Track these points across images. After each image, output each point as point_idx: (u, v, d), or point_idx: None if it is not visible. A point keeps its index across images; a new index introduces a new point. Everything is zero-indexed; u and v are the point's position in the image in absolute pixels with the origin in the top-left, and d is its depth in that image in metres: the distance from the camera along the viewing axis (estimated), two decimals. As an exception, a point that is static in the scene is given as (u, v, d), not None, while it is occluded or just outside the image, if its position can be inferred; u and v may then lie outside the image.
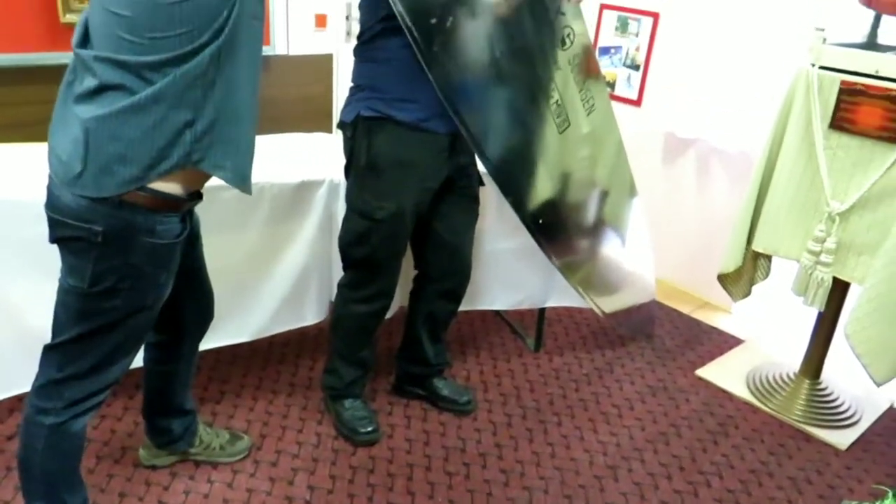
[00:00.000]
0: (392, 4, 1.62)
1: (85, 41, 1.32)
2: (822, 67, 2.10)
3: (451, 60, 1.74)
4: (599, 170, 2.32)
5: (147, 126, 1.26)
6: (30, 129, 2.55)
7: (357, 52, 1.86)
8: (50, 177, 1.35)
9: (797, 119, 2.16)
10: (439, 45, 1.70)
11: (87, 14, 1.32)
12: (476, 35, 1.80)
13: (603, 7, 3.38)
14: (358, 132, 1.83)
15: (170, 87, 1.25)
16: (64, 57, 2.56)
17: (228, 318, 2.05)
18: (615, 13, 3.34)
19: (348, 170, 1.91)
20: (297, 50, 3.40)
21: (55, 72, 2.55)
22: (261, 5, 1.34)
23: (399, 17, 1.63)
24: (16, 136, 2.42)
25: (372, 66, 1.81)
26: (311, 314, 2.24)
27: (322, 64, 3.52)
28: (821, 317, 2.44)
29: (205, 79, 1.26)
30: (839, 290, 2.33)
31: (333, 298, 2.12)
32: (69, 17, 2.59)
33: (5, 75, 2.56)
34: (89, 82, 1.27)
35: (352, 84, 1.88)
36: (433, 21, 1.68)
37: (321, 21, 3.48)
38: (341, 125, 1.91)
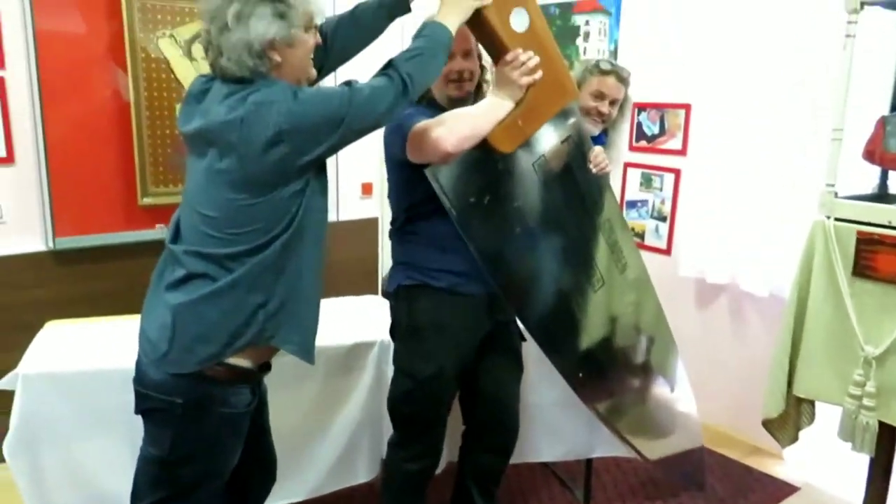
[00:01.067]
0: (434, 185, 1.83)
1: (176, 237, 1.53)
2: (837, 219, 2.18)
3: (489, 233, 1.89)
4: (644, 316, 2.39)
5: (225, 309, 1.44)
6: (110, 300, 2.79)
7: (392, 235, 2.04)
8: (139, 355, 1.52)
9: (820, 267, 2.19)
10: (478, 220, 1.87)
11: (178, 214, 1.56)
12: (512, 208, 1.95)
13: (627, 165, 3.64)
14: (399, 299, 1.99)
15: (246, 275, 1.44)
16: (141, 235, 2.88)
17: (285, 477, 2.05)
18: (638, 171, 3.58)
19: (393, 333, 2.05)
20: (345, 216, 3.66)
21: (133, 249, 2.86)
22: (324, 199, 1.56)
23: (440, 196, 1.83)
24: (98, 308, 2.64)
25: (407, 246, 1.98)
26: (364, 472, 2.28)
27: (368, 228, 3.75)
28: (873, 462, 2.36)
29: (276, 265, 1.46)
30: (888, 433, 2.25)
31: (384, 456, 2.17)
32: (146, 201, 2.90)
33: (89, 253, 2.82)
34: (178, 272, 1.47)
35: (392, 261, 2.05)
36: (472, 200, 1.87)
37: (367, 189, 3.79)
38: (385, 294, 2.06)
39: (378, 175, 3.72)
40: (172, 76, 2.97)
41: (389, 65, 1.56)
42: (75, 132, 2.76)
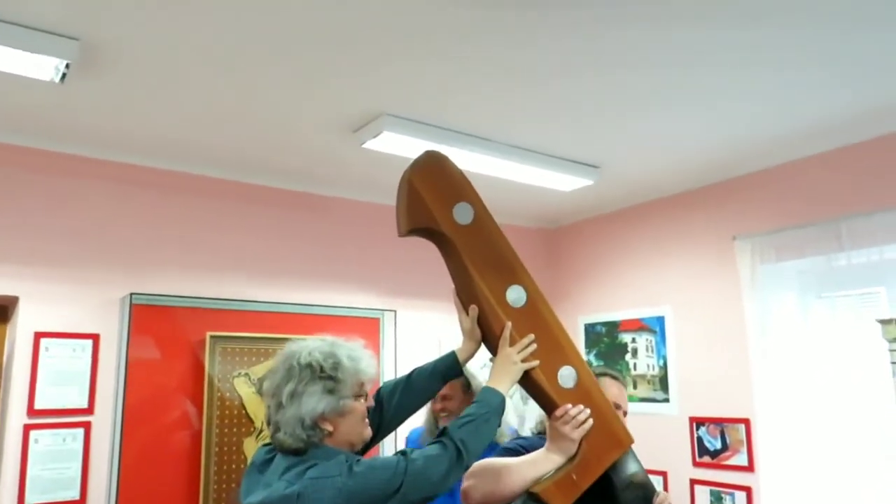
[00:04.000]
0: None
1: None
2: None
3: None
4: None
5: None
6: None
7: None
8: None
9: None
10: None
11: None
12: None
13: (693, 482, 3.51)
14: None
15: None
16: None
17: None
18: (706, 489, 3.44)
19: None
20: None
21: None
22: None
23: None
24: None
25: None
26: None
27: None
28: None
29: None
30: None
31: None
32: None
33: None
34: None
35: None
36: None
37: None
38: None
39: None
40: (244, 412, 3.14)
41: (444, 433, 1.60)
42: (148, 458, 2.93)
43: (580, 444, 1.81)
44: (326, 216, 3.71)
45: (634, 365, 3.92)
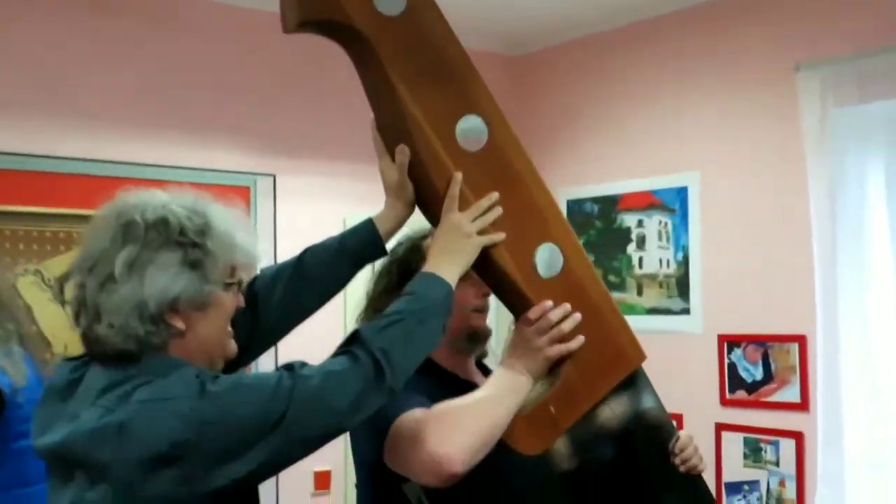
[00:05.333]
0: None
1: None
2: None
3: None
4: None
5: None
6: None
7: None
8: None
9: None
10: None
11: None
12: None
13: (720, 428, 3.62)
14: None
15: None
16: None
17: None
18: (738, 436, 3.56)
19: None
20: None
21: None
22: None
23: None
24: None
25: None
26: None
27: None
28: None
29: None
30: None
31: None
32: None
33: None
34: None
35: None
36: None
37: (322, 482, 3.74)
38: None
39: (342, 459, 3.69)
40: (36, 330, 3.05)
41: (355, 337, 1.59)
42: None
43: (561, 363, 1.82)
44: (165, 26, 3.57)
45: (640, 261, 3.95)
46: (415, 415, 1.73)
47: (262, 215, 3.68)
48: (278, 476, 3.56)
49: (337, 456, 3.64)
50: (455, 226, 1.73)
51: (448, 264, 1.70)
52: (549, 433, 1.82)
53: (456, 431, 1.70)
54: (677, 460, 2.08)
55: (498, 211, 1.77)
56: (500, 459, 1.83)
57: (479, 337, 2.03)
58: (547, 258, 1.81)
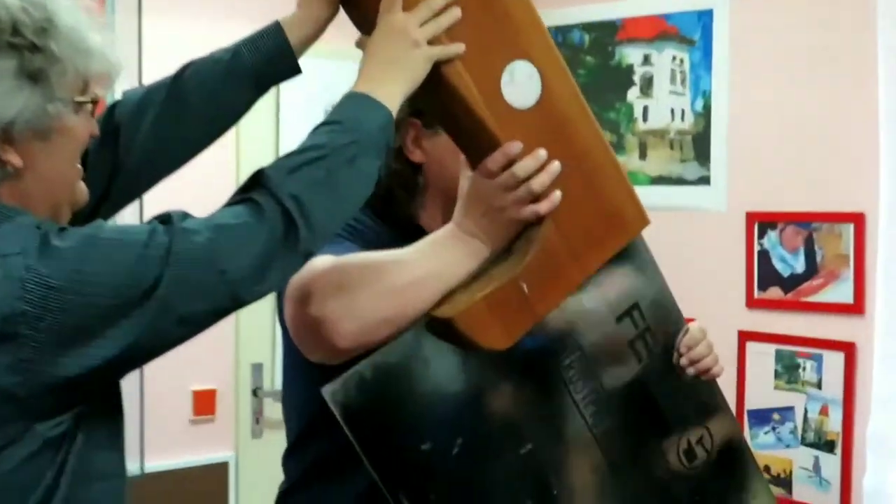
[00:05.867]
0: (336, 412, 1.81)
1: None
2: None
3: None
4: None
5: None
6: None
7: (287, 464, 2.15)
8: None
9: None
10: (437, 493, 1.90)
11: None
12: (516, 460, 1.99)
13: (744, 337, 3.64)
14: None
15: None
16: None
17: None
18: (769, 348, 3.58)
19: None
20: (158, 461, 3.75)
21: None
22: (114, 455, 1.66)
23: (358, 449, 1.83)
24: None
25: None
26: None
27: (210, 481, 3.81)
28: None
29: None
30: None
31: None
32: None
33: None
34: None
35: None
36: (425, 447, 1.89)
37: (205, 404, 3.83)
38: None
39: (231, 374, 3.70)
40: None
41: (258, 181, 1.59)
42: None
43: (538, 227, 1.81)
44: None
45: (645, 112, 3.96)
46: (316, 264, 1.74)
47: (122, 31, 3.68)
48: (143, 393, 3.62)
49: (224, 369, 3.70)
50: (397, 30, 1.71)
51: (387, 82, 1.69)
52: (520, 320, 1.82)
53: (354, 291, 1.73)
54: (684, 360, 2.12)
55: (455, 14, 1.74)
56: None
57: None
58: (520, 80, 1.80)
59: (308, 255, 1.60)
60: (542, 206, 1.78)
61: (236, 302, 1.53)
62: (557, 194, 1.79)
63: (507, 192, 1.77)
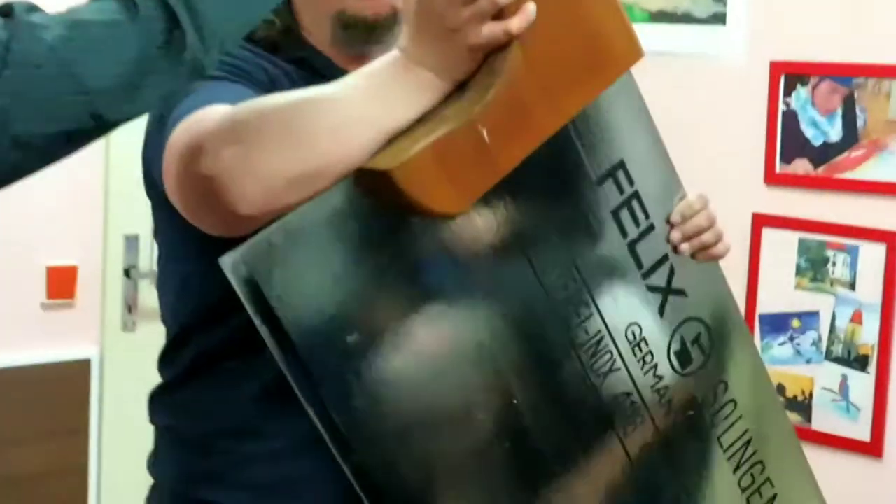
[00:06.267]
0: (237, 288, 1.82)
1: None
2: None
3: (396, 422, 1.98)
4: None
5: None
6: None
7: (163, 363, 2.25)
8: None
9: None
10: (360, 394, 1.93)
11: None
12: (471, 356, 2.03)
13: (760, 222, 3.67)
14: None
15: None
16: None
17: None
18: (792, 236, 3.57)
19: None
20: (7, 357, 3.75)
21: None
22: None
23: (264, 335, 1.83)
24: None
25: (184, 415, 2.20)
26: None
27: (70, 383, 3.86)
28: None
29: None
30: None
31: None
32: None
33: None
34: None
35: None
36: (350, 338, 1.90)
37: (63, 285, 3.86)
38: None
39: (97, 246, 3.67)
40: None
41: None
42: None
43: (503, 55, 1.80)
44: None
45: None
46: (209, 114, 1.79)
47: None
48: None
49: (88, 241, 3.69)
50: None
51: None
52: (477, 175, 1.83)
53: (260, 142, 1.75)
54: (676, 234, 2.12)
55: None
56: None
57: (355, 23, 2.12)
58: None
59: (195, 71, 1.59)
60: (513, 23, 1.75)
61: (98, 123, 1.52)
62: (531, 7, 1.77)
63: (467, 4, 1.73)
